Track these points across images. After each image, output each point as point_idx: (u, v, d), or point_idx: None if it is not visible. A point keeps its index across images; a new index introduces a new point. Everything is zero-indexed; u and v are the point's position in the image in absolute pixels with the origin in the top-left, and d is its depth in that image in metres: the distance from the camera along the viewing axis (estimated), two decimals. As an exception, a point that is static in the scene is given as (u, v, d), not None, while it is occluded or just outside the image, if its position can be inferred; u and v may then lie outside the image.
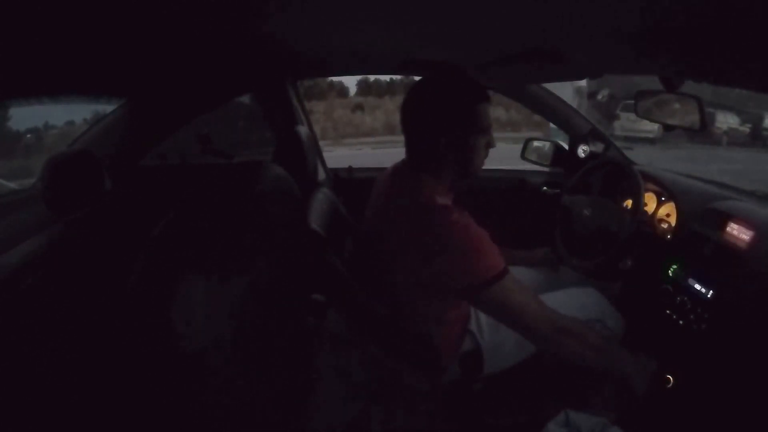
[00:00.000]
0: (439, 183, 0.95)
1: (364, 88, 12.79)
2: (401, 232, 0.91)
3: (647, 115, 1.22)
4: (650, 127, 6.84)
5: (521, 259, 1.29)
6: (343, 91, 12.65)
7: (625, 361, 0.95)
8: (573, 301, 1.10)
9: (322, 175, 1.62)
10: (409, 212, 0.90)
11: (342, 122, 11.22)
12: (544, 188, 1.74)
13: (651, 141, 7.17)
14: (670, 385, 1.10)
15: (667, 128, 1.18)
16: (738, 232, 1.01)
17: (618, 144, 1.66)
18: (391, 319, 0.93)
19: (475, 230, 0.87)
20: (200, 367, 0.52)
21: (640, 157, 1.66)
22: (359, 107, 11.80)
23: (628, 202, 1.28)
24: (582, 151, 1.62)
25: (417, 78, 1.00)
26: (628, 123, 7.31)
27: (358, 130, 10.80)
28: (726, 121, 9.00)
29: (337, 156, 6.65)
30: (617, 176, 1.32)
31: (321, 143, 1.74)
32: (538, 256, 1.31)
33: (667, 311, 1.12)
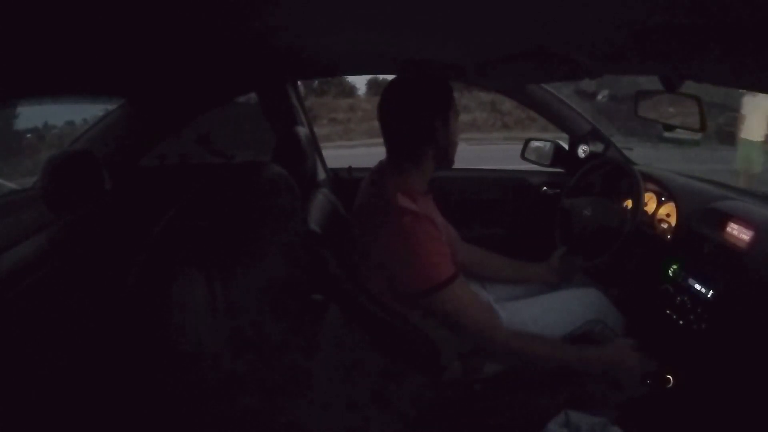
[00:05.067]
0: (417, 180, 0.96)
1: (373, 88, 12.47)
2: (368, 234, 0.93)
3: (647, 115, 1.22)
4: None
5: (522, 277, 1.22)
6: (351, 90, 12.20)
7: (595, 364, 0.94)
8: (574, 302, 1.10)
9: (321, 175, 1.62)
10: (373, 214, 0.92)
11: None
12: (544, 188, 1.74)
13: (694, 143, 7.57)
14: (670, 385, 1.10)
15: (667, 128, 1.18)
16: (738, 232, 1.01)
17: (619, 144, 1.66)
18: (388, 318, 0.93)
19: (425, 236, 0.87)
20: (200, 366, 0.52)
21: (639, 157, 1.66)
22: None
23: (628, 202, 1.27)
24: (582, 151, 1.62)
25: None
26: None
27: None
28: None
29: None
30: (617, 176, 1.32)
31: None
32: (537, 275, 1.22)
33: (667, 311, 1.12)
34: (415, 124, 0.93)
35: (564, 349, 0.95)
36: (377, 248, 0.90)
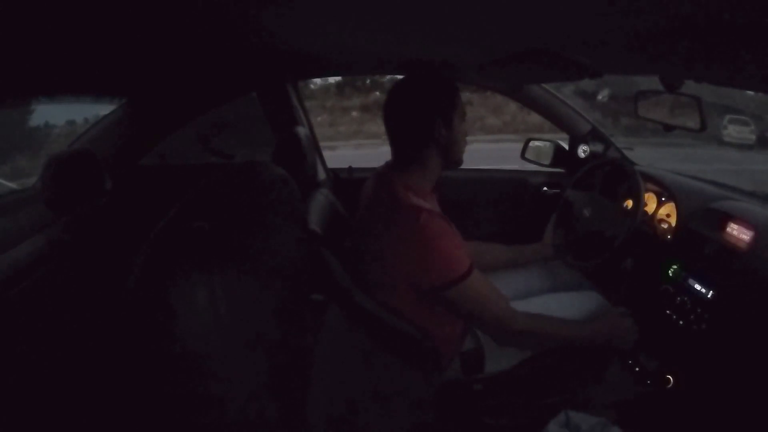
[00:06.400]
0: (423, 180, 0.97)
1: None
2: (377, 232, 0.93)
3: (647, 115, 1.22)
4: (749, 136, 8.67)
5: (522, 259, 1.29)
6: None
7: (596, 337, 1.02)
8: (573, 304, 1.10)
9: (322, 175, 1.62)
10: (383, 212, 0.93)
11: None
12: (545, 188, 1.74)
13: (749, 147, 8.57)
14: (670, 385, 1.10)
15: (667, 128, 1.18)
16: (738, 232, 1.01)
17: (619, 144, 1.66)
18: (388, 318, 0.93)
19: (442, 231, 0.88)
20: (199, 366, 0.52)
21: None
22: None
23: (629, 203, 1.27)
24: (582, 151, 1.62)
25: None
26: (734, 133, 8.90)
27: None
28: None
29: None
30: (617, 176, 1.32)
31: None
32: (535, 253, 1.31)
33: (667, 311, 1.12)
34: (416, 123, 0.94)
35: (571, 326, 1.01)
36: (392, 246, 0.90)
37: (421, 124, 0.93)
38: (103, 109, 1.51)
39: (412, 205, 0.89)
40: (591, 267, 1.20)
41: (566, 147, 1.66)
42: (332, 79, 10.35)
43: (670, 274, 1.14)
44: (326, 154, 1.77)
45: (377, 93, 10.73)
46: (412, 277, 0.90)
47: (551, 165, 1.68)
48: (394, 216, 0.90)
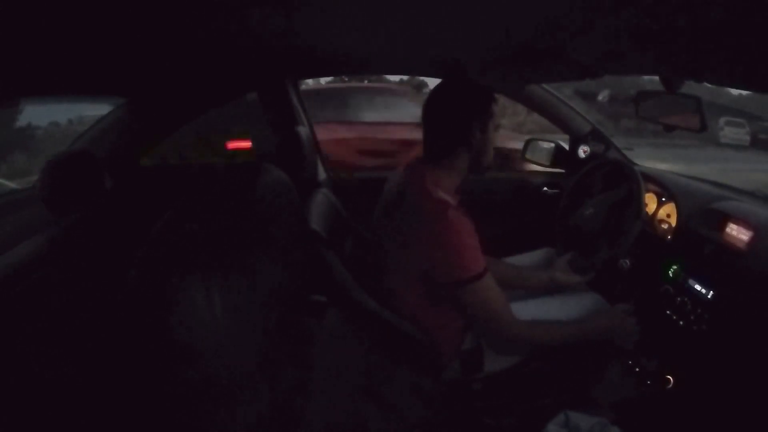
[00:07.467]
0: (450, 179, 0.98)
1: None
2: (402, 221, 0.94)
3: (648, 116, 1.22)
4: (744, 137, 9.36)
5: (526, 283, 1.23)
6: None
7: (598, 333, 1.02)
8: (573, 305, 1.10)
9: (322, 175, 1.62)
10: (411, 203, 0.94)
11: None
12: (545, 188, 1.74)
13: (745, 147, 9.13)
14: (670, 385, 1.10)
15: (667, 129, 1.18)
16: (737, 233, 1.01)
17: (619, 144, 1.66)
18: (390, 318, 0.93)
19: (466, 229, 0.90)
20: (198, 369, 0.52)
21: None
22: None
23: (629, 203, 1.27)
24: (582, 151, 1.62)
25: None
26: (730, 134, 9.58)
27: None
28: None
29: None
30: (617, 177, 1.32)
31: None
32: (542, 281, 1.22)
33: (667, 311, 1.12)
34: (455, 123, 0.96)
35: (572, 328, 1.01)
36: (416, 236, 0.91)
37: (459, 125, 0.96)
38: (87, 109, 1.51)
39: (441, 199, 0.91)
40: (602, 264, 1.19)
41: (566, 147, 1.66)
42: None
43: (671, 275, 1.14)
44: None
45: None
46: (429, 270, 0.91)
47: (551, 165, 1.68)
48: (423, 207, 0.91)
